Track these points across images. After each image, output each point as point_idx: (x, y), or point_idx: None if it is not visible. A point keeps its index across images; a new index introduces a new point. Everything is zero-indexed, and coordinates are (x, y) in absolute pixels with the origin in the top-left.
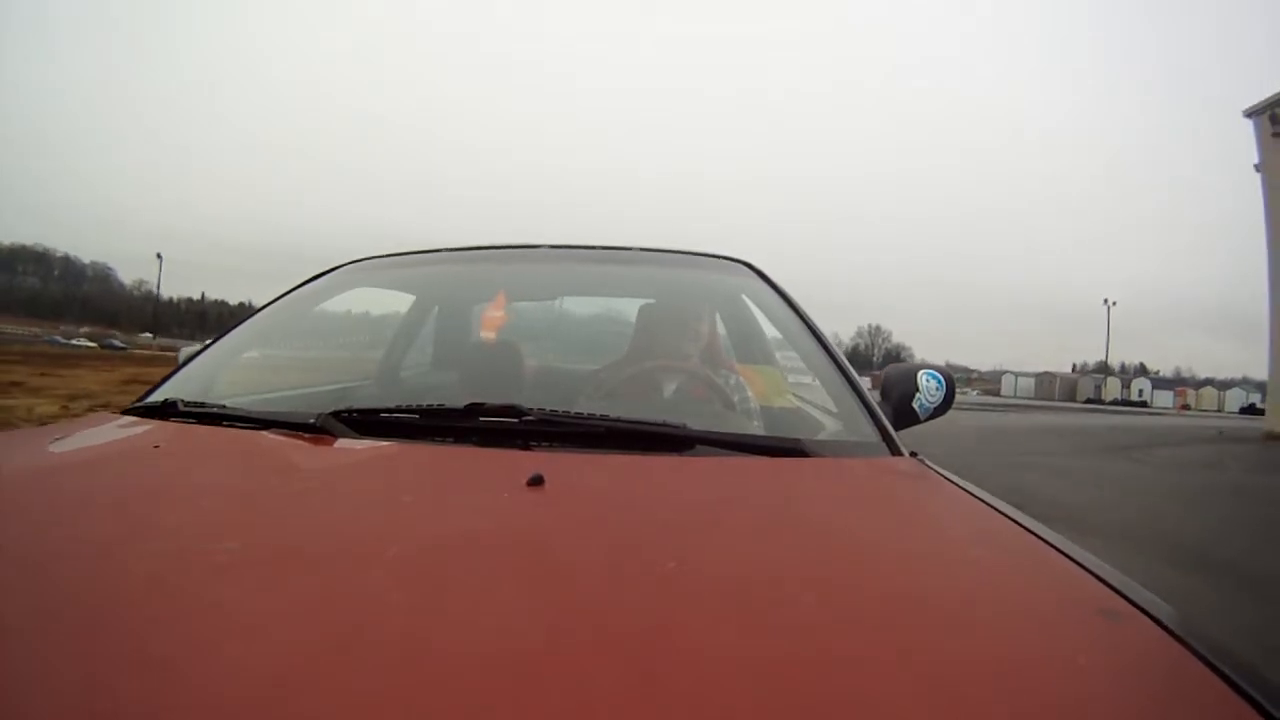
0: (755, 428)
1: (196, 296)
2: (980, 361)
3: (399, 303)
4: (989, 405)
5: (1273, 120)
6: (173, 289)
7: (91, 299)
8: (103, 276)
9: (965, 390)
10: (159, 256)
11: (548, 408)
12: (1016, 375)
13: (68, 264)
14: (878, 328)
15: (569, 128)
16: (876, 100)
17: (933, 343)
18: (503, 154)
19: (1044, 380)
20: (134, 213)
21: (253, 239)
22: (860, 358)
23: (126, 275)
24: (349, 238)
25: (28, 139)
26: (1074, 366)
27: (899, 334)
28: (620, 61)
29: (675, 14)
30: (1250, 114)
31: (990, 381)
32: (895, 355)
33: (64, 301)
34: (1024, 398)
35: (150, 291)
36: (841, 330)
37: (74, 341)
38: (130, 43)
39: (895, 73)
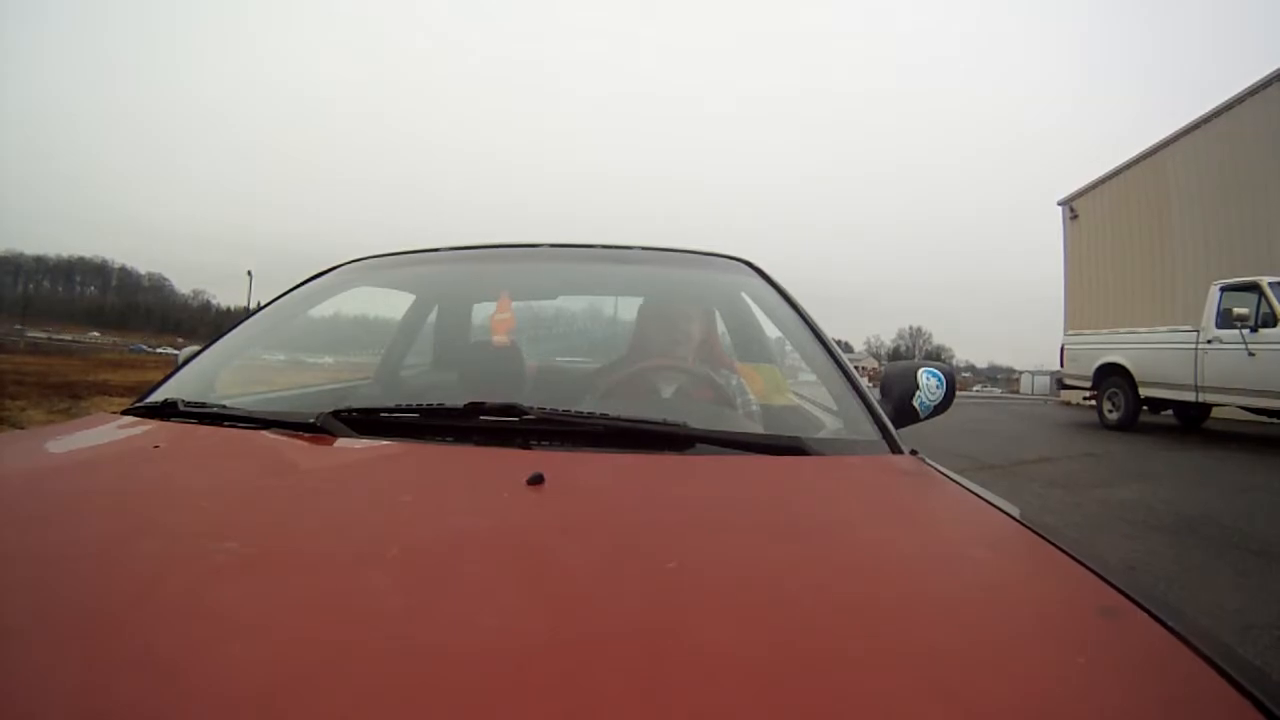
0: (755, 426)
1: (253, 305)
2: (1025, 362)
3: (399, 302)
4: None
5: (1071, 210)
6: (230, 299)
7: (153, 308)
8: (158, 286)
9: (992, 389)
10: (249, 274)
11: (547, 407)
12: (1034, 374)
13: (125, 274)
14: (918, 329)
15: (568, 128)
16: (898, 99)
17: (978, 344)
18: (504, 156)
19: (1055, 379)
20: (185, 224)
21: (300, 249)
22: (901, 360)
23: (182, 285)
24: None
25: (74, 150)
26: None
27: (939, 335)
28: (620, 62)
29: (676, 17)
30: (1060, 203)
31: (1017, 382)
32: (935, 356)
33: (127, 311)
34: (1039, 394)
35: (207, 301)
36: (883, 332)
37: (159, 350)
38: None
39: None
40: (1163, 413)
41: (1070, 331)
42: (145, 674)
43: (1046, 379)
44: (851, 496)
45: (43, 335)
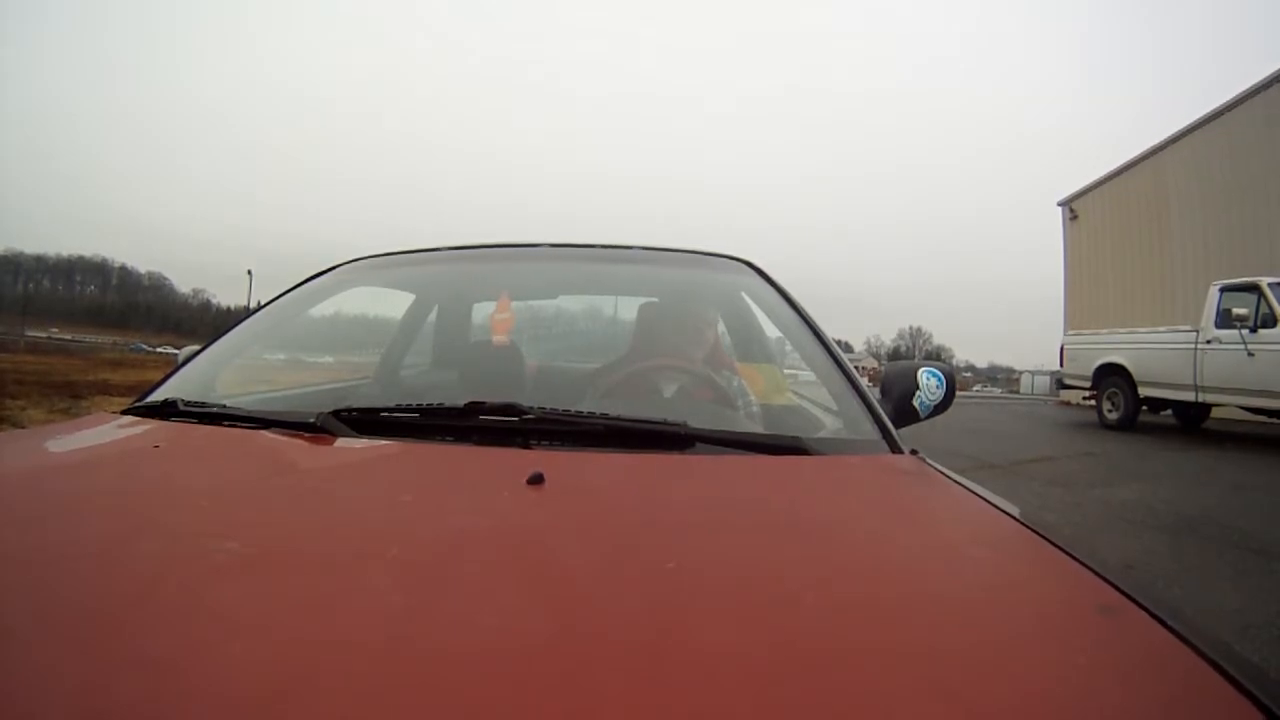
0: (755, 426)
1: (253, 305)
2: (1025, 362)
3: (399, 302)
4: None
5: (1070, 211)
6: (230, 299)
7: (154, 308)
8: (159, 285)
9: (992, 388)
10: (250, 273)
11: (548, 406)
12: (1034, 374)
13: (125, 274)
14: (918, 329)
15: (568, 128)
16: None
17: (978, 344)
18: (504, 156)
19: (1055, 379)
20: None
21: (295, 249)
22: (901, 359)
23: (182, 285)
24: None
25: (74, 150)
26: None
27: (939, 335)
28: (620, 62)
29: (678, 19)
30: (1060, 204)
31: (1017, 382)
32: (935, 356)
33: (127, 311)
34: (1039, 393)
35: (207, 300)
36: (883, 332)
37: (159, 349)
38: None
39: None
40: (1162, 413)
41: (1070, 331)
42: (145, 674)
43: (1046, 379)
44: (851, 496)
45: (43, 334)
